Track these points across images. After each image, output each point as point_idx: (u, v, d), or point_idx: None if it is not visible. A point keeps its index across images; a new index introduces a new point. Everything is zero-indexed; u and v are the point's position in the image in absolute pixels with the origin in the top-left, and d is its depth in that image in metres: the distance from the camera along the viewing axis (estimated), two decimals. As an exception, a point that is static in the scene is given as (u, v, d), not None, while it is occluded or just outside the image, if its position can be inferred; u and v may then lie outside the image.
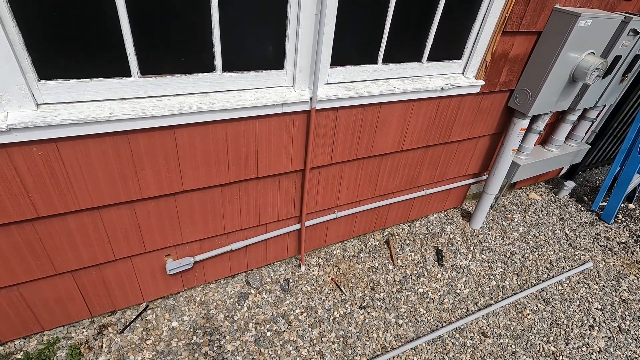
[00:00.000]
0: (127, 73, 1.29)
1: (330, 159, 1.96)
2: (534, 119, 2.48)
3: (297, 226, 2.19)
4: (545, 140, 3.01)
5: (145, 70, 1.32)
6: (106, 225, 1.56)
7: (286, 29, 1.47)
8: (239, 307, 2.11)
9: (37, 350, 1.73)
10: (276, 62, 1.55)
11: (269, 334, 2.01)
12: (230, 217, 1.88)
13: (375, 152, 2.09)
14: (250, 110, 1.53)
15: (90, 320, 1.91)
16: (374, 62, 1.80)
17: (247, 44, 1.44)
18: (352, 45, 1.69)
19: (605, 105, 3.11)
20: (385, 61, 1.83)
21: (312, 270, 2.40)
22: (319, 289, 2.30)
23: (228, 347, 1.91)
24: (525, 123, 2.37)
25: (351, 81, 1.80)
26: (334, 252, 2.56)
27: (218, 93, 1.49)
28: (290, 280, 2.31)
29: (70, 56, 1.19)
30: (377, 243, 2.69)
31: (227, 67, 1.46)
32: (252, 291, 2.20)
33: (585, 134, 3.19)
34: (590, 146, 3.15)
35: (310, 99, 1.63)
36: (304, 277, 2.35)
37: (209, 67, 1.43)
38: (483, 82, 2.12)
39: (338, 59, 1.69)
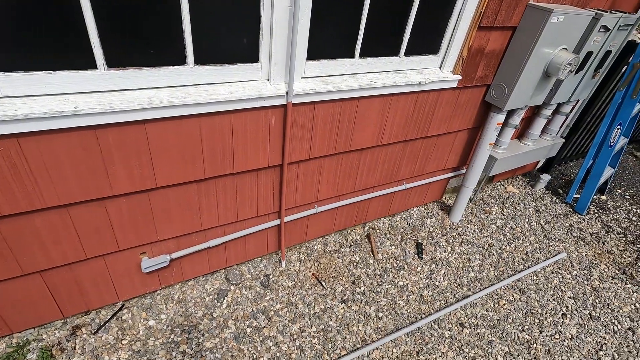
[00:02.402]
0: (92, 65, 1.24)
1: (309, 154, 1.95)
2: (510, 113, 2.53)
3: (277, 222, 2.17)
4: (521, 134, 3.07)
5: (112, 63, 1.27)
6: (76, 223, 1.51)
7: (260, 21, 1.45)
8: (218, 304, 2.09)
9: (5, 354, 1.67)
10: (251, 55, 1.52)
11: (248, 330, 2.00)
12: (207, 213, 1.85)
13: (354, 146, 2.09)
14: (225, 104, 1.50)
15: (62, 321, 1.85)
16: (352, 55, 1.79)
17: (220, 36, 1.41)
18: (329, 39, 1.67)
19: (578, 100, 3.20)
20: (362, 55, 1.82)
21: (293, 266, 2.40)
22: (299, 284, 2.29)
23: (207, 345, 1.89)
24: (501, 117, 2.41)
25: (328, 75, 1.79)
26: (315, 247, 2.56)
27: (191, 87, 1.45)
28: (271, 276, 2.30)
29: (30, 48, 1.13)
30: (358, 237, 2.71)
31: (200, 60, 1.43)
32: (232, 288, 2.18)
33: (560, 128, 3.27)
34: (564, 140, 3.23)
35: (287, 93, 1.61)
36: (284, 273, 2.34)
37: (181, 60, 1.39)
38: (460, 77, 2.14)
39: (315, 53, 1.67)
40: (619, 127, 3.03)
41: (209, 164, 1.65)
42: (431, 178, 2.81)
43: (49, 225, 1.45)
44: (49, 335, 1.78)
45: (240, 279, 2.24)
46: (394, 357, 2.03)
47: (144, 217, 1.66)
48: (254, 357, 1.89)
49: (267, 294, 2.20)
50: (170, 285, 2.12)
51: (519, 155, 2.89)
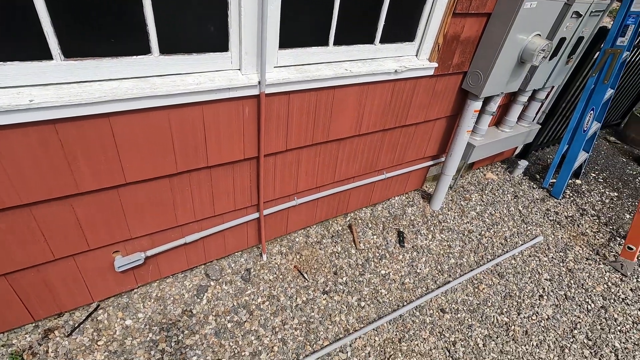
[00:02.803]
0: (47, 56, 1.17)
1: (286, 145, 1.91)
2: (487, 100, 2.55)
3: (256, 215, 2.14)
4: (498, 121, 3.11)
5: (69, 53, 1.20)
6: (40, 223, 1.44)
7: (227, 7, 1.39)
8: (198, 300, 2.05)
9: (-28, 361, 1.60)
10: (220, 44, 1.47)
11: (229, 325, 1.98)
12: (182, 208, 1.80)
13: (332, 137, 2.07)
14: (194, 95, 1.44)
15: (34, 324, 1.78)
16: (325, 43, 1.75)
17: (185, 24, 1.35)
18: (302, 26, 1.63)
19: (553, 87, 3.25)
20: (337, 43, 1.78)
21: (275, 259, 2.38)
22: (281, 277, 2.28)
23: (187, 342, 1.86)
24: (478, 105, 2.42)
25: (302, 64, 1.75)
26: (297, 239, 2.54)
27: (157, 77, 1.39)
28: (252, 270, 2.27)
29: (-24, 36, 1.06)
30: (340, 228, 2.70)
31: (165, 50, 1.37)
32: (212, 283, 2.15)
33: (536, 114, 3.33)
34: (540, 126, 3.29)
35: (259, 82, 1.57)
36: (265, 266, 2.32)
37: (144, 49, 1.33)
38: (436, 65, 2.13)
39: (287, 41, 1.63)
40: (591, 112, 3.09)
41: (181, 158, 1.60)
42: (411, 167, 2.82)
43: (10, 226, 1.38)
44: (19, 340, 1.72)
45: (220, 274, 2.20)
46: (377, 345, 2.05)
47: (114, 214, 1.60)
48: (236, 352, 1.87)
49: (248, 288, 2.17)
50: (148, 284, 2.07)
51: (496, 142, 2.92)
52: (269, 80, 1.58)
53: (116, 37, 1.25)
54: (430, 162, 2.94)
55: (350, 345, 2.01)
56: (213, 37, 1.44)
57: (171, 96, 1.39)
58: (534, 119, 3.20)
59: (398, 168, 2.74)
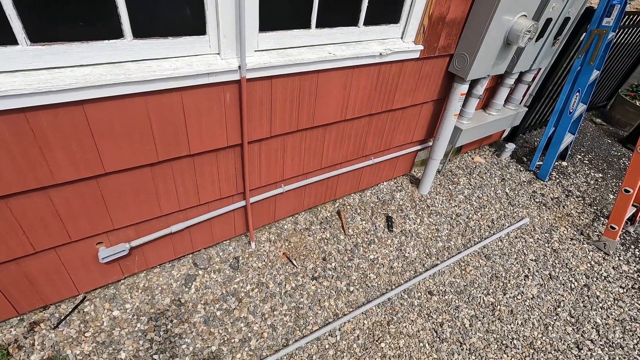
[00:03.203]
0: (12, 41, 1.12)
1: (270, 132, 1.88)
2: (474, 83, 2.53)
3: (242, 203, 2.12)
4: (486, 104, 3.10)
5: (35, 37, 1.15)
6: (17, 216, 1.40)
7: (203, -12, 1.34)
8: (186, 289, 2.05)
9: (-44, 357, 1.58)
10: (196, 27, 1.42)
11: (218, 313, 1.98)
12: (165, 198, 1.77)
13: (317, 122, 2.04)
14: (172, 81, 1.40)
15: (19, 318, 1.76)
16: (308, 26, 1.71)
17: (159, 6, 1.30)
18: (283, 8, 1.58)
19: (540, 69, 3.25)
20: (319, 25, 1.74)
21: (263, 246, 2.37)
22: (270, 264, 2.28)
23: (175, 331, 1.86)
24: (465, 88, 2.41)
25: (284, 47, 1.71)
26: (285, 227, 2.54)
27: (131, 63, 1.34)
28: (240, 258, 2.27)
29: None
30: (329, 214, 2.70)
31: (139, 33, 1.31)
32: (200, 272, 2.14)
33: (523, 97, 3.33)
34: (527, 109, 3.30)
35: (239, 67, 1.52)
36: (254, 254, 2.31)
37: (117, 33, 1.27)
38: (422, 47, 2.10)
39: (268, 24, 1.58)
40: (577, 94, 3.11)
41: (161, 146, 1.56)
42: (399, 152, 2.81)
43: (-14, 220, 1.35)
44: (4, 334, 1.70)
45: (208, 262, 2.19)
46: (365, 328, 2.08)
47: (95, 205, 1.57)
48: (225, 340, 1.88)
49: (237, 276, 2.17)
50: (135, 274, 2.05)
51: (483, 125, 2.93)
52: (250, 65, 1.54)
53: (86, 20, 1.20)
54: (418, 147, 2.94)
55: (340, 329, 2.04)
56: (189, 20, 1.39)
57: (147, 82, 1.34)
58: (521, 101, 3.21)
59: (386, 153, 2.73)
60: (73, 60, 1.24)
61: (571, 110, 3.19)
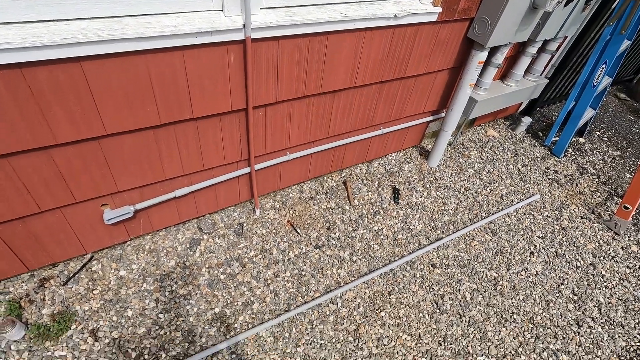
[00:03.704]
0: (2, -11, 1.05)
1: (276, 97, 1.81)
2: (493, 51, 2.39)
3: (247, 170, 2.10)
4: (504, 74, 2.95)
5: (27, -14, 1.08)
6: (20, 175, 1.40)
7: None
8: (191, 253, 2.08)
9: (-29, 308, 1.65)
10: (198, -21, 1.33)
11: (222, 277, 2.01)
12: (168, 162, 1.75)
13: (325, 88, 1.96)
14: (173, 39, 1.33)
15: (29, 274, 1.82)
16: (318, -18, 1.59)
17: (157, -46, 1.21)
18: (291, -39, 1.47)
19: (566, 37, 3.04)
20: (330, -19, 1.62)
21: (268, 214, 2.37)
22: (274, 231, 2.29)
23: (180, 292, 1.91)
24: (483, 55, 2.27)
25: (292, 5, 1.60)
26: (290, 195, 2.52)
27: (129, 17, 1.27)
28: (245, 225, 2.27)
29: None
30: (335, 184, 2.67)
31: (137, -15, 1.23)
32: (205, 237, 2.16)
33: (545, 68, 3.15)
34: (548, 80, 3.13)
35: (244, 26, 1.44)
36: (258, 221, 2.32)
37: (113, -16, 1.20)
38: (440, 9, 1.96)
39: (275, -22, 1.47)
40: (604, 65, 2.92)
41: (163, 109, 1.51)
42: (409, 122, 2.72)
43: (-11, 178, 1.35)
44: (16, 288, 1.75)
45: (213, 227, 2.21)
46: (367, 297, 2.10)
47: (98, 167, 1.56)
48: (228, 302, 1.93)
49: (241, 241, 2.19)
50: (141, 236, 2.08)
51: (500, 97, 2.80)
52: (255, 24, 1.45)
53: (79, -31, 1.12)
54: (430, 118, 2.84)
55: (341, 297, 2.07)
56: (191, -28, 1.30)
57: (147, 39, 1.28)
58: (542, 72, 3.04)
59: (396, 123, 2.65)
60: (68, 13, 1.17)
61: (595, 84, 3.02)
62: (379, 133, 2.58)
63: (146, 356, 1.68)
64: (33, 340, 1.61)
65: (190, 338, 1.77)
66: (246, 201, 2.39)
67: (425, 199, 2.74)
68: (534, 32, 2.45)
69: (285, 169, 2.33)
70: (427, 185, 2.84)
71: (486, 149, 3.32)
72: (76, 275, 1.86)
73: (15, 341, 1.59)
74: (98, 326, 1.72)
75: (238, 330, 1.84)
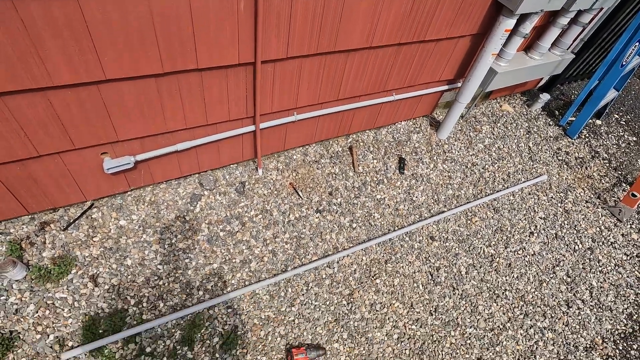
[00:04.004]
0: None
1: (287, 52, 1.71)
2: (522, 18, 2.22)
3: (252, 128, 2.03)
4: (529, 46, 2.77)
5: None
6: (16, 116, 1.34)
7: None
8: (192, 208, 2.07)
9: (-28, 245, 1.66)
10: None
11: (222, 234, 2.02)
12: (171, 113, 1.68)
13: (340, 46, 1.84)
14: (179, -23, 1.21)
15: (29, 217, 1.82)
16: None
17: None
18: None
19: (602, 9, 2.82)
20: None
21: (270, 174, 2.34)
22: (275, 192, 2.27)
23: (179, 246, 1.92)
24: (511, 23, 2.11)
25: (311, -51, 1.45)
26: (294, 157, 2.47)
27: (131, -51, 1.15)
28: (246, 184, 2.25)
29: None
30: (340, 149, 2.61)
31: None
32: (206, 193, 2.14)
33: (573, 41, 2.96)
34: (574, 56, 2.95)
35: (257, -32, 1.31)
36: (260, 181, 2.29)
37: None
38: (472, -34, 1.79)
39: None
40: (637, 43, 2.74)
41: (166, 55, 1.42)
42: (423, 90, 2.60)
43: (-16, 117, 1.29)
44: (16, 230, 1.76)
45: (214, 184, 2.18)
46: (363, 264, 2.12)
47: (97, 113, 1.50)
48: (227, 259, 1.95)
49: (242, 200, 2.17)
50: (141, 188, 2.06)
51: (522, 70, 2.65)
52: (269, -33, 1.32)
53: None
54: (445, 87, 2.71)
55: (338, 262, 2.09)
56: None
57: (150, -24, 1.16)
58: (569, 46, 2.86)
59: (409, 90, 2.53)
60: (63, -62, 1.06)
61: (624, 63, 2.85)
62: (390, 99, 2.47)
63: (145, 304, 1.72)
64: (34, 281, 1.64)
65: (188, 290, 1.80)
66: (249, 160, 2.34)
67: (431, 171, 2.69)
68: (569, 1, 2.26)
69: (291, 129, 2.26)
70: (434, 158, 2.78)
71: (499, 124, 3.21)
72: (76, 222, 1.86)
73: (16, 281, 1.62)
74: (98, 272, 1.75)
75: (235, 286, 1.87)
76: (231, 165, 2.30)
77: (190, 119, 1.77)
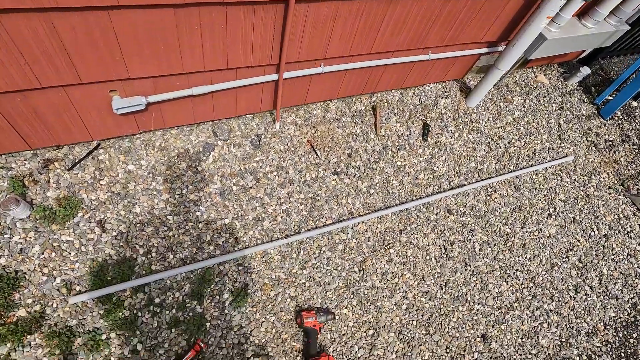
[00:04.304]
0: None
1: (324, -9, 1.48)
2: (591, -23, 1.94)
3: (274, 76, 1.84)
4: (584, 11, 2.49)
5: None
6: (16, 40, 1.16)
7: None
8: (204, 158, 1.95)
9: (-28, 178, 1.56)
10: None
11: (235, 188, 1.92)
12: (189, 52, 1.49)
13: (383, -9, 1.60)
14: None
15: (32, 152, 1.69)
16: None
17: None
18: None
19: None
20: None
21: (288, 129, 2.19)
22: (292, 149, 2.13)
23: (190, 197, 1.83)
24: (578, -19, 1.85)
25: None
26: (314, 112, 2.30)
27: None
28: (262, 137, 2.11)
29: None
30: (363, 108, 2.43)
31: None
32: (219, 143, 2.01)
33: (634, 10, 2.66)
34: (630, 28, 2.67)
35: None
36: (277, 135, 2.14)
37: None
38: None
39: None
40: None
41: (189, -18, 1.21)
42: (461, 51, 2.37)
43: (-22, 37, 1.11)
44: (18, 165, 1.65)
45: (228, 135, 2.04)
46: (377, 232, 2.06)
47: (107, 45, 1.31)
48: (239, 215, 1.87)
49: (257, 154, 2.05)
50: (151, 132, 1.92)
51: (572, 38, 2.40)
52: None
53: None
54: (485, 50, 2.47)
55: (352, 228, 2.02)
56: None
57: None
58: (629, 16, 2.57)
59: (447, 50, 2.30)
60: None
61: (683, 41, 2.58)
62: (424, 58, 2.25)
63: (154, 255, 1.66)
64: (39, 222, 1.57)
65: (198, 244, 1.74)
66: (267, 111, 2.18)
67: (455, 141, 2.54)
68: (647, -39, 1.97)
69: (315, 82, 2.07)
70: (460, 127, 2.62)
71: (531, 97, 3.00)
72: (82, 162, 1.74)
73: (20, 220, 1.54)
74: (105, 218, 1.67)
75: (247, 244, 1.81)
76: (247, 116, 2.14)
77: (210, 61, 1.58)
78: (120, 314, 1.53)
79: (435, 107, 2.63)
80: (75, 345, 1.46)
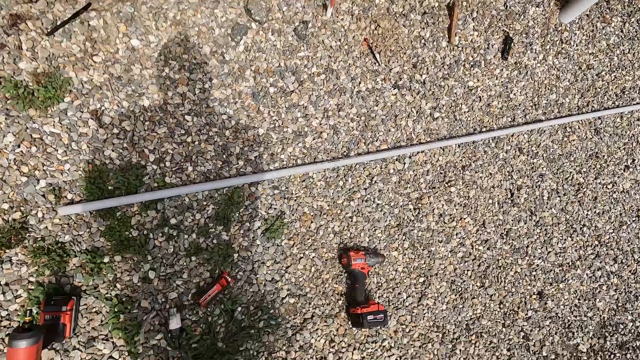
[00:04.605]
0: None
1: None
2: None
3: None
4: None
5: None
6: None
7: None
8: (233, 43, 1.45)
9: None
10: None
11: (272, 90, 1.47)
12: None
13: None
14: None
15: (-7, 1, 1.18)
16: None
17: None
18: None
19: None
20: None
21: (342, 20, 1.65)
22: (346, 47, 1.63)
23: (215, 94, 1.38)
24: None
25: None
26: (377, 1, 1.74)
27: None
28: (310, 25, 1.58)
29: None
30: (437, 5, 1.86)
31: None
32: (254, 26, 1.49)
33: None
34: None
35: None
36: (328, 26, 1.62)
37: None
38: None
39: None
40: None
41: None
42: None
43: None
44: (-26, 18, 1.15)
45: (266, 15, 1.51)
46: (438, 165, 1.69)
47: None
48: (276, 125, 1.45)
49: (302, 48, 1.55)
50: (162, -5, 1.38)
51: None
52: None
53: None
54: (612, -61, 1.83)
55: (410, 157, 1.64)
56: None
57: None
58: None
59: None
60: None
61: None
62: (539, -62, 1.63)
63: (168, 164, 1.28)
64: (10, 103, 1.14)
65: (224, 157, 1.36)
66: (316, -10, 1.61)
67: (539, 64, 2.04)
68: None
69: (392, -49, 1.48)
70: (547, 47, 2.08)
71: (632, 20, 2.40)
72: (66, 26, 1.24)
73: (-17, 96, 1.11)
74: (103, 108, 1.24)
75: (285, 163, 1.44)
76: (291, -8, 1.58)
77: None
78: (127, 233, 1.21)
79: (522, 17, 2.05)
80: (69, 265, 1.15)
